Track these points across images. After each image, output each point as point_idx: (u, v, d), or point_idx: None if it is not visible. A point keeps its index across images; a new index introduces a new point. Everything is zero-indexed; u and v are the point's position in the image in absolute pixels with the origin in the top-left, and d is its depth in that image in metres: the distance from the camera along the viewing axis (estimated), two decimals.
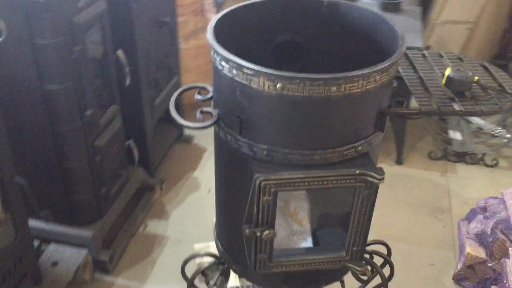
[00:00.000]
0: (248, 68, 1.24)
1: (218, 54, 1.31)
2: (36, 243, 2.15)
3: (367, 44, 1.56)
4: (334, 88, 1.22)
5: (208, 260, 1.80)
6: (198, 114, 1.46)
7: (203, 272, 1.82)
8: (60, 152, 2.00)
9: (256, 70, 1.23)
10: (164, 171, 2.84)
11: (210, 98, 1.53)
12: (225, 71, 1.31)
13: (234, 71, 1.28)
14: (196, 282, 1.84)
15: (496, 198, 2.30)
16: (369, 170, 1.35)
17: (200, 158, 2.96)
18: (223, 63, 1.31)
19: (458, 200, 2.73)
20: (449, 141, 3.04)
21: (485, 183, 2.84)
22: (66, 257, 2.12)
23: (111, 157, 2.22)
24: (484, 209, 2.30)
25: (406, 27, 2.90)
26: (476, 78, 1.44)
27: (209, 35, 1.37)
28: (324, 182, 1.36)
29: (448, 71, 1.44)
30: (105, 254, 2.23)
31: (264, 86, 1.25)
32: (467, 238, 2.27)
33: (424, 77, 1.50)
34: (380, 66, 1.25)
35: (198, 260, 2.16)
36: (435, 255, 2.41)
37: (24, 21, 1.71)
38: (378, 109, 1.37)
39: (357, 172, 1.34)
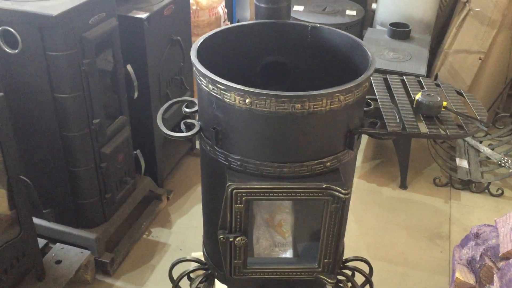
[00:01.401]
0: (221, 83, 1.35)
1: (197, 69, 1.43)
2: (43, 242, 2.30)
3: (347, 66, 1.65)
4: (298, 105, 1.32)
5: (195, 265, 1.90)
6: (182, 125, 1.58)
7: (189, 277, 1.92)
8: (68, 157, 2.15)
9: (228, 85, 1.34)
10: (173, 182, 2.96)
11: (196, 111, 1.65)
12: (203, 86, 1.43)
13: (210, 86, 1.40)
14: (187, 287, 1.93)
15: (489, 225, 2.31)
16: (335, 184, 1.42)
17: None
18: (201, 78, 1.43)
19: (458, 227, 2.74)
20: (455, 169, 3.05)
21: (487, 212, 2.84)
22: (69, 256, 2.25)
23: (117, 164, 2.36)
24: (476, 236, 2.31)
25: (412, 54, 2.96)
26: (445, 103, 1.50)
27: (192, 51, 1.49)
28: (292, 194, 1.44)
29: (418, 96, 1.51)
30: (107, 256, 2.36)
31: (235, 100, 1.35)
32: (458, 263, 2.28)
33: (398, 101, 1.58)
34: (343, 87, 1.34)
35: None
36: (429, 280, 2.43)
37: (38, 34, 1.88)
38: (346, 128, 1.45)
39: (324, 186, 1.42)
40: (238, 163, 1.45)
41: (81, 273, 2.27)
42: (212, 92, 1.40)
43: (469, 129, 1.47)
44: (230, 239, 1.49)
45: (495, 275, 2.01)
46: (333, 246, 1.55)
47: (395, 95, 1.62)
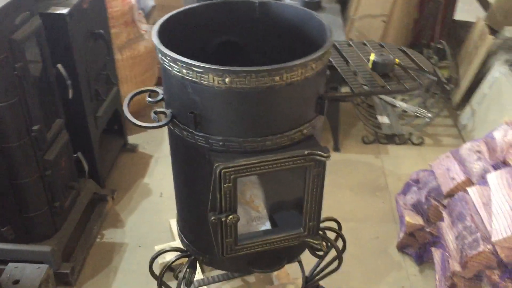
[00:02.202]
0: (197, 66, 1.35)
1: (166, 56, 1.41)
2: None
3: (299, 39, 1.71)
4: (277, 78, 1.36)
5: (173, 255, 1.87)
6: (152, 115, 1.55)
7: (170, 268, 1.90)
8: (11, 169, 2.01)
9: (205, 67, 1.35)
10: (113, 181, 2.87)
11: (161, 100, 1.63)
12: (175, 71, 1.41)
13: (184, 71, 1.39)
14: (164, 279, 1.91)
15: (426, 170, 2.53)
16: (316, 149, 1.49)
17: (147, 165, 3.02)
18: (172, 64, 1.41)
19: (393, 177, 2.96)
20: (378, 125, 3.28)
21: (414, 160, 3.10)
22: (27, 274, 2.10)
23: (61, 170, 2.24)
24: (416, 181, 2.53)
25: (328, 23, 3.10)
26: (397, 60, 1.62)
27: (155, 39, 1.47)
28: (278, 165, 1.49)
29: (372, 57, 1.62)
30: (66, 267, 2.25)
31: (213, 81, 1.36)
32: (405, 209, 2.48)
33: (352, 64, 1.67)
34: (315, 55, 1.40)
35: (161, 260, 2.24)
36: (379, 229, 2.61)
37: None
38: (317, 95, 1.52)
39: (306, 152, 1.49)
40: (220, 143, 1.46)
41: None
42: (186, 77, 1.39)
43: (422, 80, 1.60)
44: (222, 219, 1.51)
45: (443, 212, 2.22)
46: (316, 208, 1.63)
47: (348, 59, 1.71)
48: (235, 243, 1.59)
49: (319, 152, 1.48)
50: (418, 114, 3.29)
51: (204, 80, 1.37)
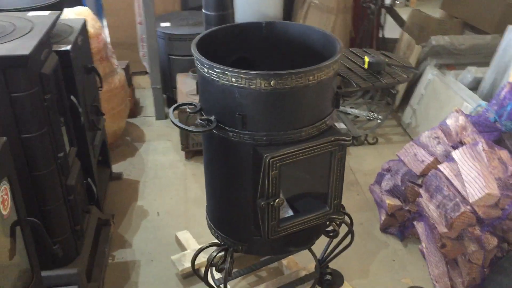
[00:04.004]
0: (246, 74, 1.63)
1: (214, 69, 1.67)
2: None
3: (301, 50, 2.05)
4: (311, 77, 1.67)
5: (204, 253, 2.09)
6: (198, 121, 1.80)
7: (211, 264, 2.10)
8: (39, 196, 2.13)
9: (254, 73, 1.63)
10: (109, 207, 2.99)
11: (199, 110, 1.87)
12: (224, 81, 1.68)
13: (233, 79, 1.66)
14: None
15: (393, 160, 2.94)
16: (340, 135, 1.81)
17: (137, 189, 3.17)
18: (221, 75, 1.68)
19: (360, 173, 3.35)
20: None
21: (374, 157, 3.52)
22: None
23: (79, 195, 2.37)
24: (388, 170, 2.92)
25: None
26: (386, 60, 2.00)
27: (199, 56, 1.73)
28: (311, 151, 1.78)
29: (367, 59, 1.98)
30: (92, 286, 2.36)
31: (260, 85, 1.64)
32: (383, 195, 2.86)
33: (349, 67, 2.03)
34: (335, 58, 1.73)
35: (181, 267, 2.42)
36: (361, 217, 2.97)
37: (1, 77, 1.86)
38: (333, 91, 1.85)
39: (333, 138, 1.80)
40: (264, 138, 1.74)
41: None
42: (235, 84, 1.66)
43: (407, 74, 1.99)
44: (271, 203, 1.77)
45: (420, 189, 2.61)
46: (339, 187, 1.94)
47: (344, 63, 2.07)
48: (277, 225, 1.86)
49: (343, 137, 1.80)
50: (370, 118, 3.74)
51: (252, 85, 1.65)
